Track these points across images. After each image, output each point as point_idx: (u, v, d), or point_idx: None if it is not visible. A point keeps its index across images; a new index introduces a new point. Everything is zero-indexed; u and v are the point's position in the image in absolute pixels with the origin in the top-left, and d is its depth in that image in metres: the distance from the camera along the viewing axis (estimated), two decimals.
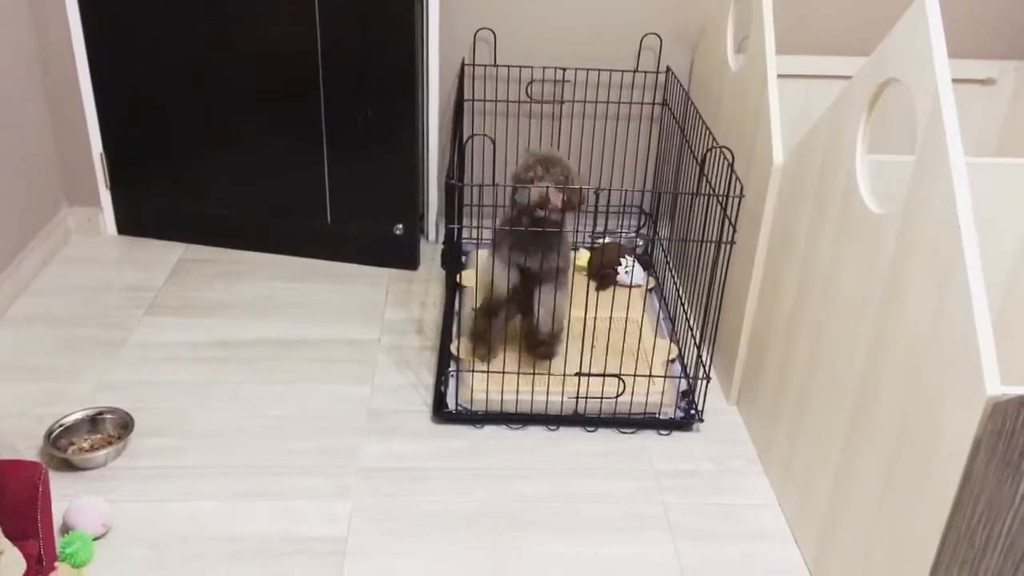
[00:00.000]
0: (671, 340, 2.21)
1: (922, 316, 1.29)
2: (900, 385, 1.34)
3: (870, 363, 1.44)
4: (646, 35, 2.55)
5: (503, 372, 1.98)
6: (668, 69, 2.57)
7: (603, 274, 2.43)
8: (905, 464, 1.32)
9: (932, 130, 1.30)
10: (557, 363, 2.04)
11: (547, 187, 1.80)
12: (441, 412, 1.98)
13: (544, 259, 1.92)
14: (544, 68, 2.58)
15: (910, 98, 1.36)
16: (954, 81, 1.31)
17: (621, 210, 2.77)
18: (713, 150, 1.98)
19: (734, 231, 1.84)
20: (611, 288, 2.42)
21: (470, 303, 2.24)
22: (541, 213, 1.83)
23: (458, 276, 2.42)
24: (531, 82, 2.59)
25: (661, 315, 2.32)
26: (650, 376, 2.00)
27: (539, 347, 2.02)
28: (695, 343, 2.03)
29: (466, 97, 2.57)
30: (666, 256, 2.51)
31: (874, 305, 1.43)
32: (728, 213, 1.83)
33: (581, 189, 1.85)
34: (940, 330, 1.24)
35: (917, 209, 1.32)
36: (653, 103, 2.65)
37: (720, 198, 1.85)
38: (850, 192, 1.53)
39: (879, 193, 1.49)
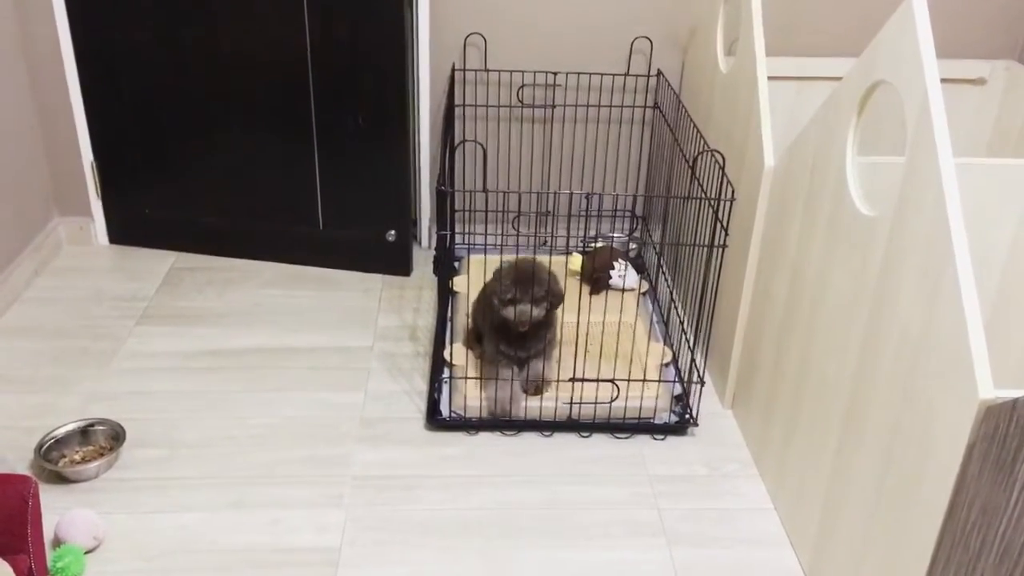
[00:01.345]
0: (665, 344, 2.20)
1: (914, 318, 1.28)
2: (892, 388, 1.34)
3: (862, 366, 1.43)
4: (636, 38, 2.55)
5: (497, 379, 1.97)
6: (659, 72, 2.57)
7: (596, 278, 2.43)
8: (899, 468, 1.31)
9: (921, 131, 1.29)
10: (551, 368, 2.03)
11: (528, 307, 1.88)
12: (434, 419, 1.97)
13: (532, 346, 1.98)
14: (535, 72, 2.57)
15: (900, 99, 1.35)
16: (945, 81, 1.31)
17: (614, 214, 2.76)
18: (704, 153, 1.97)
19: (726, 234, 1.84)
20: (604, 292, 2.41)
21: (463, 309, 2.23)
22: (523, 329, 1.91)
23: (451, 282, 2.41)
24: (522, 86, 2.59)
25: (655, 319, 2.32)
26: (644, 381, 1.99)
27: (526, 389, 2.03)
28: (689, 347, 2.02)
29: (457, 102, 2.56)
30: (659, 259, 2.51)
31: (865, 307, 1.43)
32: (720, 216, 1.82)
33: (558, 298, 1.94)
34: (932, 332, 1.23)
35: (907, 211, 1.32)
36: (644, 106, 2.64)
37: (712, 201, 1.85)
38: (841, 194, 1.52)
39: (870, 195, 1.48)
